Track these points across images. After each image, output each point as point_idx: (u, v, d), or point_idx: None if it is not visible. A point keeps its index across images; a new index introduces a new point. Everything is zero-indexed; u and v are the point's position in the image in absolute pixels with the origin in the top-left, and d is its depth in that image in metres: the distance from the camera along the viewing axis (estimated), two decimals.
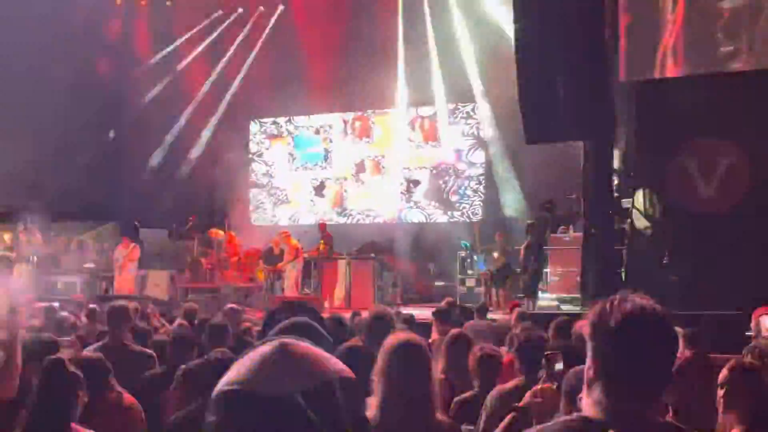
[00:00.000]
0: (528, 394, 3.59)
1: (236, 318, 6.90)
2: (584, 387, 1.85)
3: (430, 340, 6.30)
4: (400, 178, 19.41)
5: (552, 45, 9.63)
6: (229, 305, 7.99)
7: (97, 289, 16.34)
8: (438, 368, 5.21)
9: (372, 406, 2.56)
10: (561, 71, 9.55)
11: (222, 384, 1.16)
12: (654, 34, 11.00)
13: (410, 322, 6.39)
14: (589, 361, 1.84)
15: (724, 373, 3.39)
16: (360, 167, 19.82)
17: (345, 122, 20.03)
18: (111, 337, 5.24)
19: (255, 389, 1.12)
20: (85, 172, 18.59)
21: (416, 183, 19.33)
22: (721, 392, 3.34)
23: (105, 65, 20.40)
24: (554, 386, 3.32)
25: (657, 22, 11.05)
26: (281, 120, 20.70)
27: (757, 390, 3.29)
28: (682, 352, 6.01)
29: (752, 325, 6.07)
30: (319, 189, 20.18)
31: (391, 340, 2.80)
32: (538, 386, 3.45)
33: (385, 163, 19.62)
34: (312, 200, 20.18)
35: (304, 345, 1.18)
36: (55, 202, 18.16)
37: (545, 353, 3.64)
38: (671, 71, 11.08)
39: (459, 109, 18.93)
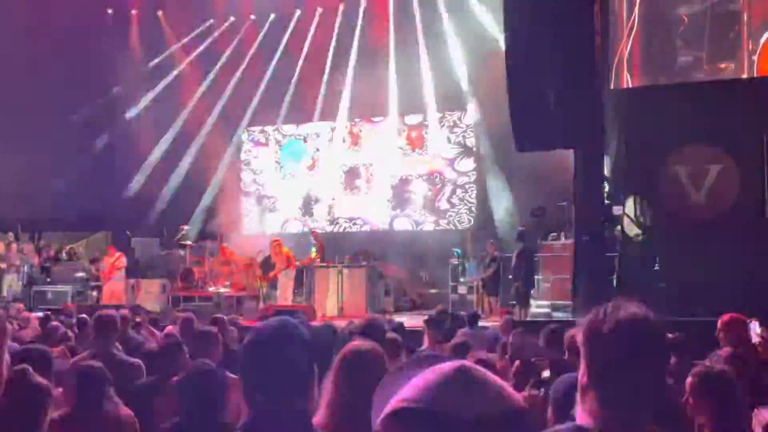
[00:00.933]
0: None
1: (223, 328, 6.86)
2: (578, 395, 1.84)
3: (421, 348, 6.29)
4: (389, 187, 19.43)
5: (542, 53, 9.65)
6: (216, 315, 7.94)
7: (89, 298, 16.27)
8: None
9: (320, 408, 2.58)
10: (551, 79, 9.57)
11: (399, 400, 1.12)
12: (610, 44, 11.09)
13: (400, 329, 6.35)
14: (582, 369, 1.83)
15: (689, 381, 3.40)
16: (349, 175, 19.85)
17: (333, 130, 20.06)
18: (98, 347, 5.20)
19: (436, 409, 1.07)
20: (76, 181, 18.55)
21: (405, 191, 19.36)
22: (688, 399, 3.34)
23: (96, 74, 20.37)
24: (541, 393, 3.31)
25: (613, 31, 11.16)
26: (269, 128, 20.72)
27: (722, 395, 3.29)
28: None
29: (720, 334, 5.98)
30: (308, 197, 20.20)
31: (347, 347, 2.79)
32: (525, 393, 3.44)
33: (374, 172, 19.63)
34: (300, 208, 20.19)
35: (484, 370, 1.15)
36: (45, 212, 18.12)
37: (531, 360, 3.64)
38: (627, 82, 11.19)
39: (446, 117, 19.00)
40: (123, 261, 16.15)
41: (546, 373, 3.50)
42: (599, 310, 1.83)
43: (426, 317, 6.97)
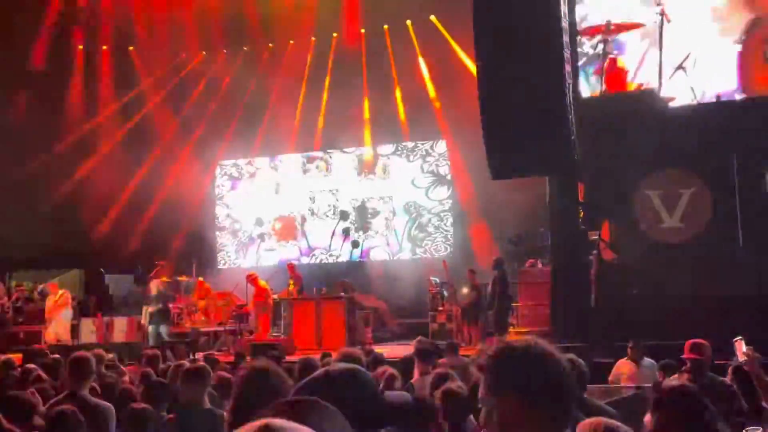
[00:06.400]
0: None
1: None
2: None
3: (413, 380, 6.15)
4: (364, 216, 19.48)
5: (514, 82, 9.74)
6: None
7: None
8: None
9: None
10: (523, 107, 9.66)
11: None
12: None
13: (379, 361, 6.28)
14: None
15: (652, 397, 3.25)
16: (323, 205, 19.92)
17: (306, 161, 20.19)
18: (71, 389, 5.09)
19: None
20: (48, 219, 18.36)
21: (378, 220, 19.44)
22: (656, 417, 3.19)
23: (68, 110, 20.27)
24: None
25: None
26: (242, 162, 20.74)
27: (690, 413, 3.14)
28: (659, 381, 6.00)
29: (687, 356, 5.97)
30: (286, 228, 20.20)
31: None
32: None
33: (348, 200, 19.67)
34: (267, 235, 20.17)
35: (290, 425, 1.10)
36: (17, 251, 17.86)
37: None
38: None
39: (419, 146, 19.20)
40: (67, 298, 15.40)
41: None
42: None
43: (415, 349, 6.79)
